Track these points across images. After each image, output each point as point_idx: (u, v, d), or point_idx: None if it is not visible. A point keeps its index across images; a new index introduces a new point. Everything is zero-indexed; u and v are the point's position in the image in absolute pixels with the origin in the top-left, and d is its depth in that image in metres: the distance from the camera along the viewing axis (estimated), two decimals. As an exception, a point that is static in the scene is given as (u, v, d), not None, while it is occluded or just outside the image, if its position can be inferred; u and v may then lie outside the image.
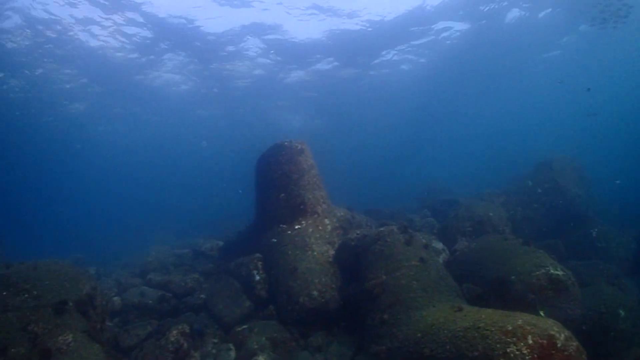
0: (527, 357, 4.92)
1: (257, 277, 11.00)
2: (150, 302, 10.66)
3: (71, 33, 23.72)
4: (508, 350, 5.04)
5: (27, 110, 33.82)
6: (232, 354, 8.73)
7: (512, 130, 65.05)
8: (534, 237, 13.06)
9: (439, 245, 11.52)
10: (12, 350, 6.06)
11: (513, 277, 8.12)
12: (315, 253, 10.97)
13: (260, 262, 11.37)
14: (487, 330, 5.46)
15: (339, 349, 8.60)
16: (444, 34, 28.45)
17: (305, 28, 26.22)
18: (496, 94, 43.10)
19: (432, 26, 27.20)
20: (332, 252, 11.15)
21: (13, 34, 22.90)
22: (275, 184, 12.17)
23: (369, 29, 27.13)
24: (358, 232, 10.61)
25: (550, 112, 55.50)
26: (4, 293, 6.88)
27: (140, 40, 25.73)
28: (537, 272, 7.90)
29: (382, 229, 9.92)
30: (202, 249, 15.03)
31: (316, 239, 11.43)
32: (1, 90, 29.58)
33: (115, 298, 10.87)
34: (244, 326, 9.70)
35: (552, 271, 7.87)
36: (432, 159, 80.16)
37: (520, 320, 5.41)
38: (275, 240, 11.67)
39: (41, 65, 27.33)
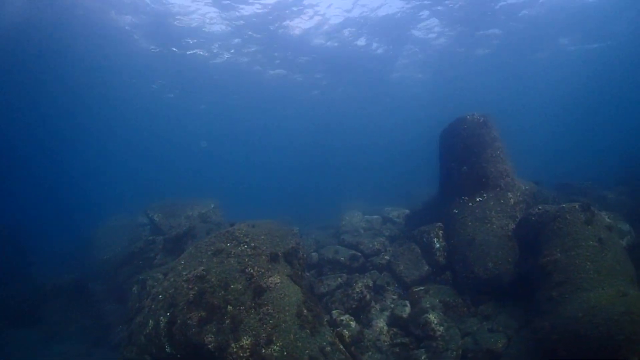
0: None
1: (437, 245, 11.80)
2: (342, 259, 12.32)
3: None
4: (649, 337, 5.10)
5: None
6: (407, 309, 9.83)
7: None
8: None
9: (625, 227, 10.70)
10: (232, 286, 8.13)
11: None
12: (494, 226, 11.28)
13: (441, 231, 12.11)
14: (639, 316, 5.49)
15: (506, 320, 9.00)
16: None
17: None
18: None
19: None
20: (512, 226, 11.29)
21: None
22: (458, 157, 12.60)
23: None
24: (540, 207, 10.56)
25: None
26: (228, 244, 9.10)
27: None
28: None
29: (563, 205, 9.77)
30: (389, 215, 16.32)
31: (497, 212, 11.66)
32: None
33: (314, 254, 12.84)
34: (421, 287, 10.71)
35: None
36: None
37: (673, 310, 5.32)
38: (457, 211, 12.24)
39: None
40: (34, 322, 13.60)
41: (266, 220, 10.50)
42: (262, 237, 9.36)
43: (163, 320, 8.27)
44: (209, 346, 7.46)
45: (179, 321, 8.02)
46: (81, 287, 14.55)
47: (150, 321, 8.51)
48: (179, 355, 8.01)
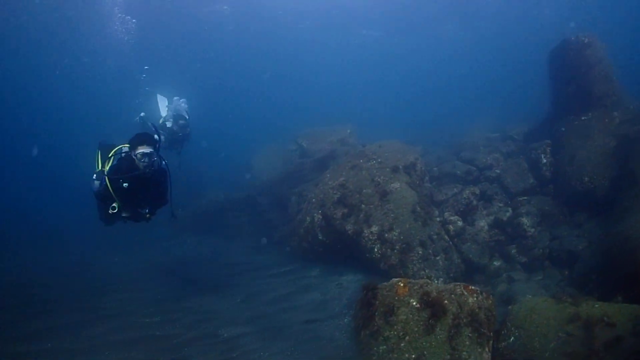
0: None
1: (544, 160, 13.25)
2: (458, 172, 14.43)
3: None
4: None
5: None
6: (508, 214, 11.91)
7: None
8: None
9: None
10: (364, 190, 11.04)
11: None
12: (595, 143, 12.22)
13: (548, 148, 13.41)
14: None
15: (593, 228, 10.32)
16: None
17: None
18: None
19: None
20: (613, 143, 12.26)
21: None
22: (565, 78, 13.45)
23: None
24: (641, 126, 11.45)
25: None
26: (361, 160, 11.96)
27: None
28: None
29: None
30: (510, 133, 17.60)
31: (599, 130, 12.50)
32: None
33: (435, 168, 15.07)
34: (524, 197, 12.60)
35: None
36: None
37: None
38: (564, 129, 13.35)
39: None
40: (219, 229, 17.69)
41: (391, 140, 13.14)
42: (387, 154, 12.06)
43: (316, 216, 11.57)
44: (349, 232, 10.59)
45: (327, 216, 11.23)
46: (252, 200, 18.30)
47: (307, 218, 11.88)
48: (327, 241, 11.32)
